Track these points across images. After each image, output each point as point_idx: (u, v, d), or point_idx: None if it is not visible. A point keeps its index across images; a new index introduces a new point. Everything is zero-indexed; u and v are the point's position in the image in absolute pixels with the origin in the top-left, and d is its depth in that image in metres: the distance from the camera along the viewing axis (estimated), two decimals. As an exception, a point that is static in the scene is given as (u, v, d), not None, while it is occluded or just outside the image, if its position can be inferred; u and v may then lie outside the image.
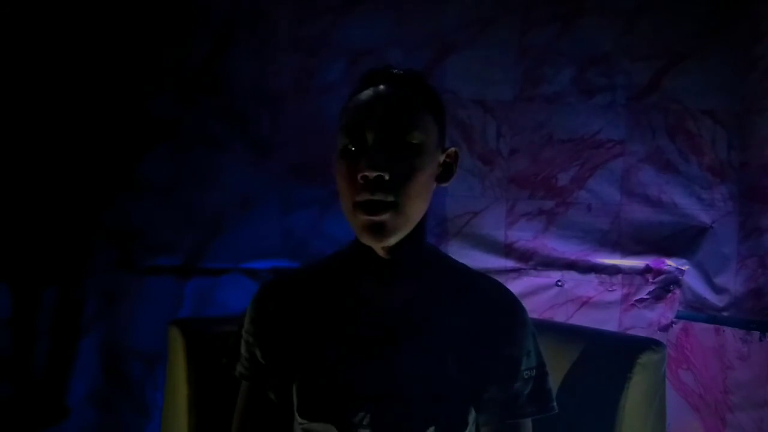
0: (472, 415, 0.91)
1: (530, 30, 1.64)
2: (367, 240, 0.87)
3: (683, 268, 1.66)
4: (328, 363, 0.91)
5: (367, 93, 0.89)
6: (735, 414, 1.61)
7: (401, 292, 0.93)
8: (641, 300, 1.67)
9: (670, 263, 1.66)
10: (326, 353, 0.91)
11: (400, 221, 0.86)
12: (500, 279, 1.00)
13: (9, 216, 1.55)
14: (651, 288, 1.67)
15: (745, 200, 1.62)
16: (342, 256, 0.98)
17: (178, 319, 1.34)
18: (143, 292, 1.62)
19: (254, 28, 1.63)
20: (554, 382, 0.97)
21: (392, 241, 0.87)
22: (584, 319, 1.66)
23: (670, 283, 1.66)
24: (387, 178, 0.83)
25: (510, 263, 1.68)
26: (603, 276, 1.67)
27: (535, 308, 1.64)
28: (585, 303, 1.67)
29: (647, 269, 1.66)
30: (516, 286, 1.61)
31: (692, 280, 1.66)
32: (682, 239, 1.65)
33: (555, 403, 0.95)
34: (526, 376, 0.93)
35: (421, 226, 0.92)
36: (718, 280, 1.65)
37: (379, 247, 0.89)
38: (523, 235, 1.68)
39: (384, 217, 0.84)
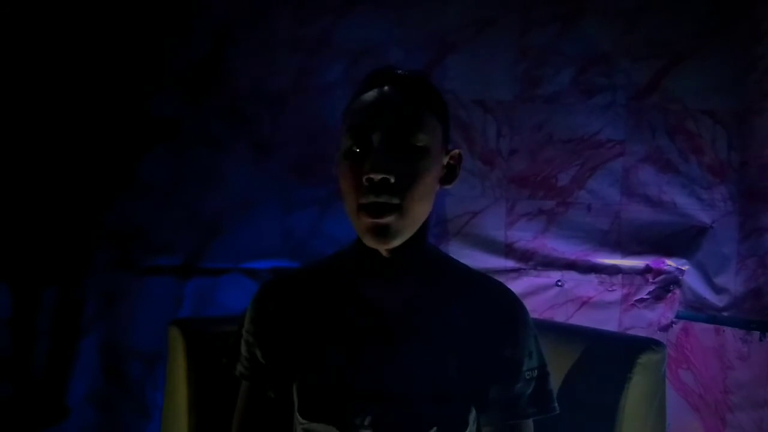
0: (473, 416, 0.91)
1: (530, 30, 1.64)
2: (371, 242, 0.87)
3: (683, 268, 1.66)
4: (329, 363, 0.91)
5: (371, 94, 0.89)
6: (735, 414, 1.61)
7: (403, 292, 0.93)
8: (641, 300, 1.67)
9: (670, 263, 1.66)
10: (327, 353, 0.91)
11: (405, 224, 0.86)
12: (500, 279, 1.00)
13: (9, 216, 1.55)
14: (651, 288, 1.66)
15: (745, 200, 1.62)
16: (343, 256, 0.98)
17: (178, 319, 1.34)
18: (143, 292, 1.62)
19: (254, 28, 1.63)
20: (554, 382, 0.97)
21: (396, 243, 0.87)
22: (584, 319, 1.65)
23: (670, 283, 1.66)
24: (392, 180, 0.83)
25: (510, 263, 1.68)
26: (603, 276, 1.67)
27: (535, 308, 1.64)
28: (585, 303, 1.67)
29: (647, 269, 1.66)
30: (516, 286, 1.61)
31: (692, 280, 1.66)
32: (682, 239, 1.65)
33: (556, 404, 0.95)
34: (527, 377, 0.93)
35: (423, 227, 0.92)
36: (718, 280, 1.65)
37: (382, 248, 0.89)
38: (523, 235, 1.68)
39: (388, 219, 0.84)
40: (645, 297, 1.67)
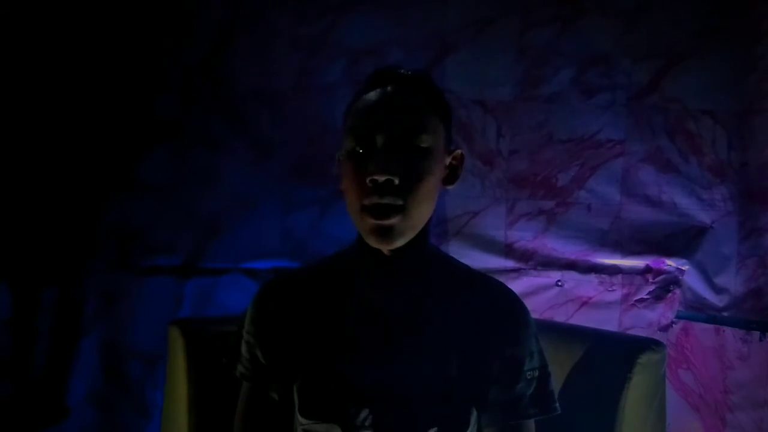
0: (474, 416, 0.91)
1: (530, 30, 1.64)
2: (374, 243, 0.87)
3: (683, 268, 1.66)
4: (330, 363, 0.91)
5: (374, 94, 0.89)
6: (735, 414, 1.61)
7: (404, 292, 0.93)
8: (641, 300, 1.67)
9: (670, 263, 1.66)
10: (328, 353, 0.91)
11: (408, 225, 0.86)
12: (500, 279, 1.00)
13: (9, 216, 1.55)
14: (651, 288, 1.67)
15: (745, 200, 1.62)
16: (344, 256, 0.98)
17: (178, 319, 1.34)
18: (143, 292, 1.62)
19: (254, 28, 1.62)
20: (555, 382, 0.98)
21: (399, 244, 0.87)
22: (584, 319, 1.66)
23: (670, 283, 1.66)
24: (396, 182, 0.83)
25: (510, 263, 1.68)
26: (603, 276, 1.67)
27: (535, 308, 1.64)
28: (585, 303, 1.67)
29: (647, 269, 1.66)
30: (516, 286, 1.60)
31: (692, 280, 1.66)
32: (682, 239, 1.65)
33: (557, 404, 0.95)
34: (528, 377, 0.93)
35: (425, 228, 0.92)
36: (718, 280, 1.65)
37: (385, 249, 0.89)
38: (523, 235, 1.68)
39: (392, 221, 0.84)
40: (645, 297, 1.67)
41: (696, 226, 1.65)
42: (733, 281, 1.64)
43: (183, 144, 1.63)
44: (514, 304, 0.96)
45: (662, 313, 1.67)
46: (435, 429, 0.88)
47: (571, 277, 1.67)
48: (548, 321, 1.59)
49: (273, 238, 1.64)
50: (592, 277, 1.67)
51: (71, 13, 1.56)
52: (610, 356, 1.19)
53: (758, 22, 1.60)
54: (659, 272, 1.66)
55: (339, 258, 0.99)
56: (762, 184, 1.60)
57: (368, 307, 0.93)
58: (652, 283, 1.66)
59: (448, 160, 0.93)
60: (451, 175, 0.94)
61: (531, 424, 0.94)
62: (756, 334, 1.58)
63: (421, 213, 0.88)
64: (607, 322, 1.66)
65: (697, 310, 1.66)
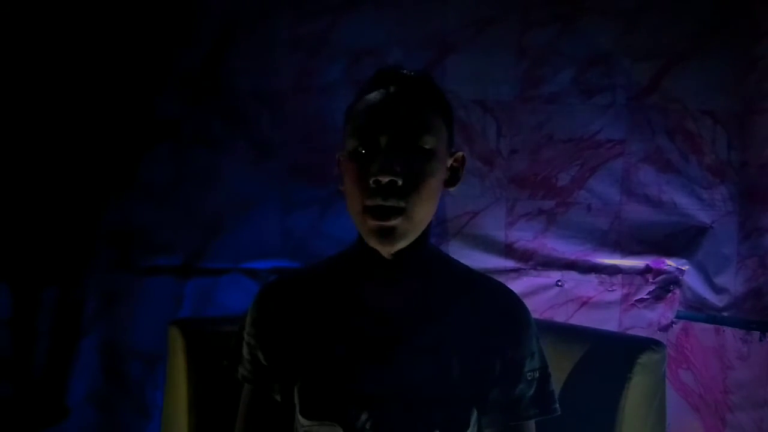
0: (474, 417, 0.91)
1: (530, 30, 1.64)
2: (375, 244, 0.87)
3: (683, 268, 1.66)
4: (331, 365, 0.91)
5: (377, 95, 0.88)
6: (735, 414, 1.61)
7: (404, 293, 0.93)
8: (641, 300, 1.67)
9: (670, 263, 1.66)
10: (328, 355, 0.91)
11: (410, 226, 0.86)
12: (500, 279, 1.00)
13: (9, 216, 1.55)
14: (651, 288, 1.66)
15: (745, 200, 1.62)
16: (344, 257, 0.98)
17: (178, 319, 1.34)
18: (143, 292, 1.62)
19: (254, 28, 1.63)
20: (554, 382, 0.98)
21: (401, 245, 0.87)
22: (584, 319, 1.65)
23: (670, 283, 1.66)
24: (400, 183, 0.83)
25: (510, 263, 1.68)
26: (603, 276, 1.67)
27: (535, 308, 1.63)
28: (585, 303, 1.67)
29: (647, 269, 1.66)
30: (516, 286, 1.60)
31: (692, 280, 1.66)
32: (682, 239, 1.65)
33: (558, 405, 0.95)
34: (529, 378, 0.93)
35: (425, 229, 0.92)
36: (718, 280, 1.65)
37: (386, 251, 0.89)
38: (523, 235, 1.68)
39: (394, 222, 0.84)
40: (645, 297, 1.67)
41: (696, 226, 1.65)
42: (733, 281, 1.63)
43: (183, 144, 1.63)
44: (514, 305, 0.96)
45: (662, 313, 1.66)
46: (436, 431, 0.88)
47: (571, 277, 1.67)
48: (548, 321, 1.59)
49: (273, 238, 1.64)
50: (592, 277, 1.67)
51: (71, 13, 1.56)
52: (610, 356, 1.19)
53: (758, 22, 1.60)
54: (659, 272, 1.66)
55: (339, 259, 0.99)
56: (762, 184, 1.60)
57: (369, 308, 0.92)
58: (652, 283, 1.66)
59: (449, 162, 0.93)
60: (453, 177, 0.94)
61: (531, 424, 0.94)
62: (756, 334, 1.57)
63: (423, 215, 0.88)
64: (607, 322, 1.66)
65: (697, 310, 1.66)
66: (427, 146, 0.86)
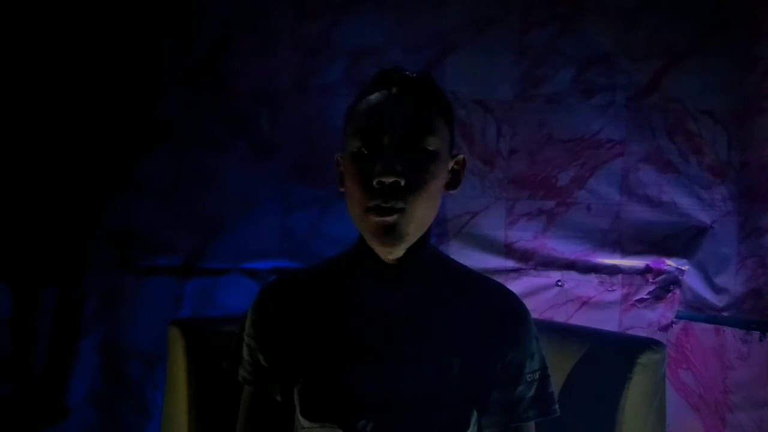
0: (474, 418, 0.90)
1: (530, 30, 1.64)
2: (377, 245, 0.87)
3: (683, 268, 1.66)
4: (332, 366, 0.90)
5: (380, 95, 0.88)
6: (735, 414, 1.61)
7: (404, 295, 0.92)
8: (641, 300, 1.67)
9: (670, 263, 1.66)
10: (329, 356, 0.91)
11: (411, 227, 0.86)
12: (500, 279, 1.00)
13: (9, 216, 1.55)
14: (651, 288, 1.67)
15: (745, 200, 1.62)
16: (344, 257, 0.98)
17: (178, 319, 1.34)
18: (143, 292, 1.62)
19: (254, 28, 1.63)
20: (554, 382, 0.98)
21: (402, 246, 0.87)
22: (584, 319, 1.65)
23: (670, 283, 1.66)
24: (402, 184, 0.83)
25: (510, 263, 1.68)
26: (603, 276, 1.67)
27: (535, 308, 1.64)
28: (585, 303, 1.67)
29: (647, 269, 1.66)
30: (516, 286, 1.61)
31: (692, 280, 1.66)
32: (682, 239, 1.65)
33: (557, 406, 0.95)
34: (529, 379, 0.93)
35: (426, 231, 0.91)
36: (718, 280, 1.65)
37: (387, 253, 0.89)
38: (523, 235, 1.68)
39: (395, 218, 0.84)
40: (645, 297, 1.67)
41: (696, 226, 1.65)
42: (733, 281, 1.64)
43: (183, 144, 1.63)
44: (514, 306, 0.96)
45: (662, 313, 1.66)
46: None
47: (571, 277, 1.67)
48: (548, 321, 1.59)
49: (273, 238, 1.64)
50: (592, 277, 1.67)
51: (71, 13, 1.56)
52: (610, 356, 1.19)
53: (758, 22, 1.60)
54: (659, 272, 1.66)
55: (339, 260, 0.98)
56: (762, 184, 1.60)
57: (369, 309, 0.92)
58: (652, 283, 1.66)
59: (450, 165, 0.93)
60: (454, 180, 0.94)
61: (531, 425, 0.94)
62: (756, 334, 1.58)
63: (424, 216, 0.87)
64: (607, 322, 1.66)
65: (697, 310, 1.66)
66: (430, 147, 0.86)
